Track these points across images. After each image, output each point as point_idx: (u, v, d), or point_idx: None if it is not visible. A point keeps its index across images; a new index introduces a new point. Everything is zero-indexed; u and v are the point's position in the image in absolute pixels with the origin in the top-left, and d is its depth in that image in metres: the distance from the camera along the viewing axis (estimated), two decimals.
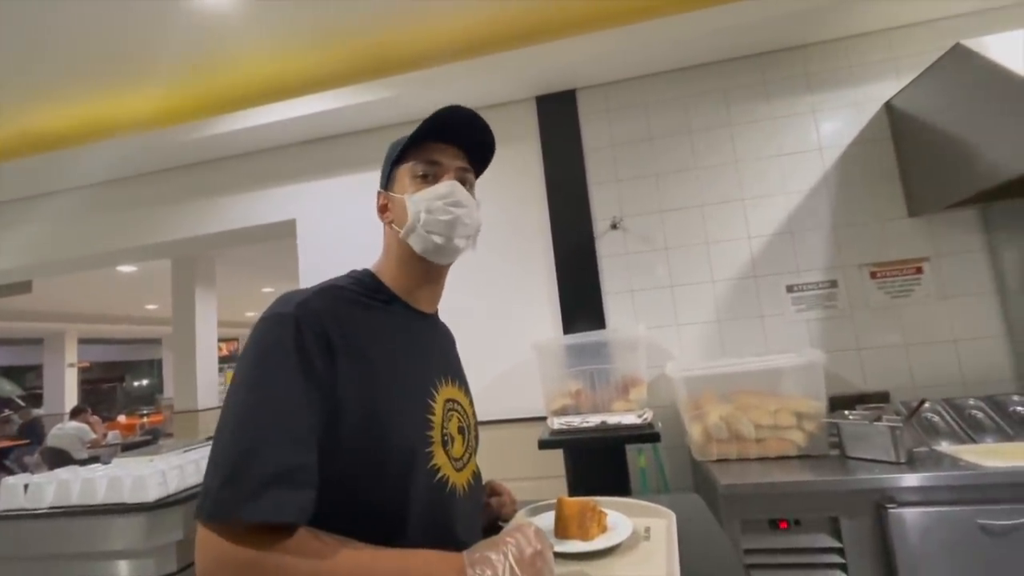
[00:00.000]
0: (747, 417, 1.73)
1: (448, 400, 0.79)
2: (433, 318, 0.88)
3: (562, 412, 1.90)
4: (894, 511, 1.42)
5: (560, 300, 2.25)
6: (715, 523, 0.96)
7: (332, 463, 0.62)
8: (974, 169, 1.65)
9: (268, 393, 0.60)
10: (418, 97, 2.30)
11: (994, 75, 1.54)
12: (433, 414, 0.74)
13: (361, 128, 2.55)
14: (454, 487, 0.74)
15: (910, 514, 1.41)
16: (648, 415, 1.76)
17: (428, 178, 0.80)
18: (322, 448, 0.61)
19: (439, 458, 0.72)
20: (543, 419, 1.97)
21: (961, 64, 1.67)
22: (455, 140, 0.82)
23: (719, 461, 1.74)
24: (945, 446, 1.66)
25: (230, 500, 0.54)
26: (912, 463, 1.52)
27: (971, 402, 1.78)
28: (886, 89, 2.06)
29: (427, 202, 0.78)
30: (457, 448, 0.77)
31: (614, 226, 2.25)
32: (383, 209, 0.84)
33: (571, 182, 2.30)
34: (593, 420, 1.78)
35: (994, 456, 1.49)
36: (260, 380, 0.62)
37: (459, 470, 0.76)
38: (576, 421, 1.80)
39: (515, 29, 2.17)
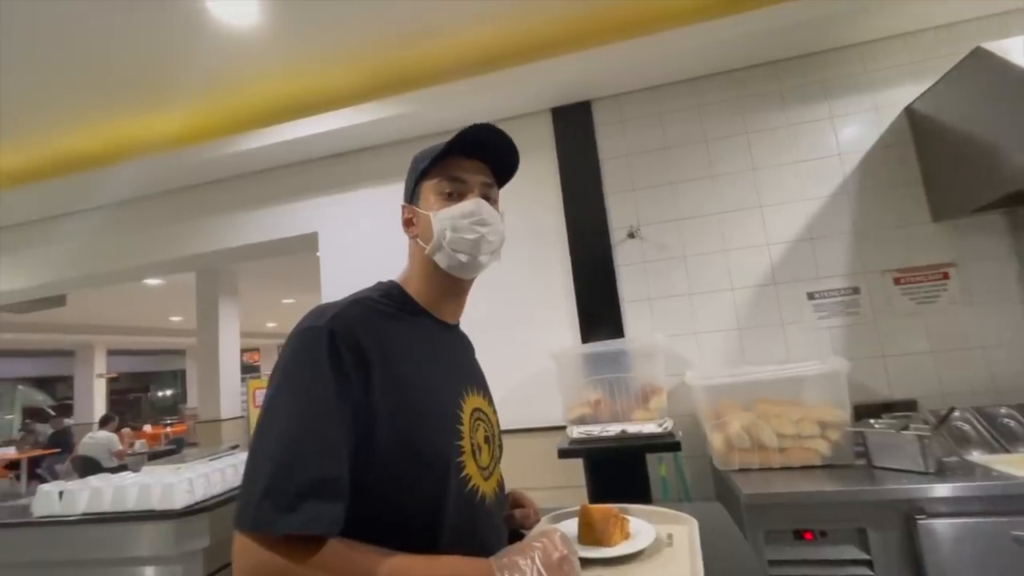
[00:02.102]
0: (769, 426, 1.71)
1: (475, 409, 0.80)
2: (456, 329, 0.90)
3: (581, 421, 1.90)
4: (924, 522, 1.38)
5: (578, 309, 2.26)
6: (738, 531, 0.96)
7: (368, 473, 0.64)
8: (999, 173, 1.62)
9: (304, 406, 0.62)
10: (436, 111, 2.35)
11: (1016, 78, 1.52)
12: (462, 424, 0.75)
13: (381, 143, 2.61)
14: (483, 496, 0.76)
15: (941, 525, 1.38)
16: (668, 424, 1.75)
17: (453, 196, 0.81)
18: (357, 458, 0.63)
19: (470, 467, 0.74)
20: (562, 428, 1.97)
21: (982, 67, 1.65)
22: (480, 155, 0.83)
23: (741, 471, 1.72)
24: (976, 456, 1.62)
25: (268, 512, 0.56)
26: (942, 473, 1.49)
27: (1003, 410, 1.73)
28: (906, 93, 2.04)
29: (452, 220, 0.79)
30: (484, 457, 0.79)
31: (631, 235, 2.26)
32: (408, 223, 0.85)
33: (587, 192, 2.32)
34: (613, 429, 1.77)
35: None
36: (296, 393, 0.64)
37: (486, 479, 0.78)
38: (596, 430, 1.80)
39: (530, 43, 2.21)
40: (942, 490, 1.40)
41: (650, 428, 1.73)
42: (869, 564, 1.43)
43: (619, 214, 2.29)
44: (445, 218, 0.79)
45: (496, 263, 0.86)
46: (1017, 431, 1.67)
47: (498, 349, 2.24)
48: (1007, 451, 1.63)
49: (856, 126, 2.11)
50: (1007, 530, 1.34)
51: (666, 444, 1.64)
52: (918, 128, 2.02)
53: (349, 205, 2.64)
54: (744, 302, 2.12)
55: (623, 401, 1.88)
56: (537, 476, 2.05)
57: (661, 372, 1.89)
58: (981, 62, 1.65)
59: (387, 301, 0.78)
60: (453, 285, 0.85)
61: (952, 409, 1.67)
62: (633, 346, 1.97)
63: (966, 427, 1.71)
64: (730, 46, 2.08)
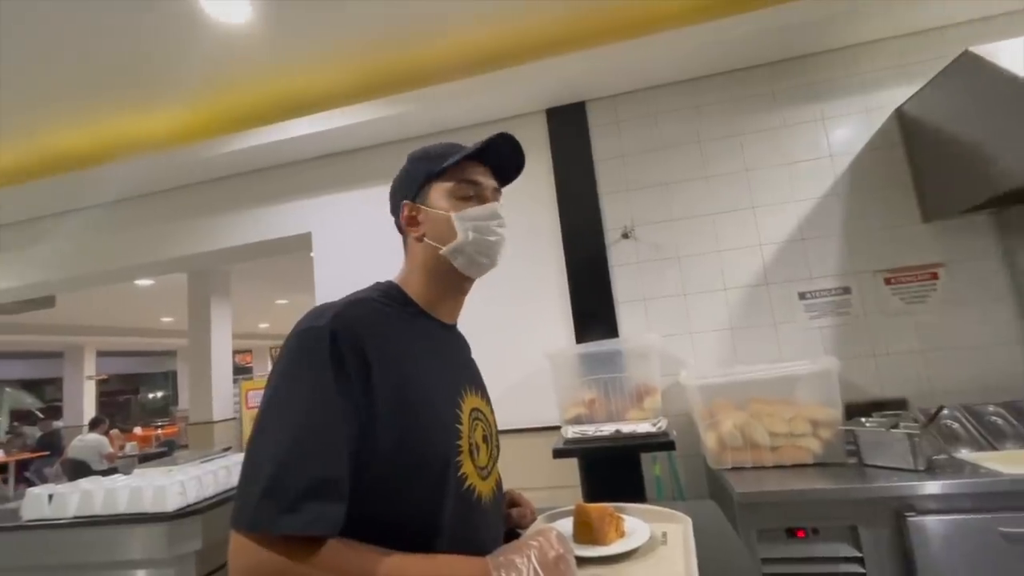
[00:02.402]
0: (762, 425, 1.73)
1: (473, 409, 0.81)
2: (454, 329, 0.90)
3: (576, 421, 1.91)
4: (914, 519, 1.40)
5: (573, 309, 2.26)
6: (731, 529, 0.97)
7: (366, 472, 0.64)
8: (987, 174, 1.64)
9: (305, 406, 0.62)
10: (431, 112, 2.35)
11: (1003, 81, 1.54)
12: (461, 423, 0.75)
13: (375, 143, 2.60)
14: (480, 495, 0.76)
15: (931, 522, 1.40)
16: (662, 423, 1.76)
17: (472, 199, 0.82)
18: (357, 459, 0.63)
19: (467, 467, 0.74)
20: (557, 428, 1.97)
21: (970, 70, 1.67)
22: (490, 162, 0.85)
23: (734, 469, 1.73)
24: (965, 453, 1.64)
25: (268, 512, 0.56)
26: (932, 471, 1.51)
27: (991, 408, 1.76)
28: (896, 95, 2.06)
29: (476, 222, 0.81)
30: (482, 457, 0.79)
31: (625, 235, 2.27)
32: (411, 221, 0.85)
33: (582, 192, 2.32)
34: (607, 429, 1.78)
35: (1015, 463, 1.47)
36: (296, 393, 0.64)
37: (484, 478, 0.78)
38: (590, 430, 1.81)
39: (525, 44, 2.21)
40: (932, 487, 1.42)
41: (644, 428, 1.74)
42: (861, 561, 1.45)
43: (613, 214, 2.30)
44: (470, 219, 0.81)
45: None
46: (1005, 428, 1.70)
47: (493, 349, 2.24)
48: (995, 448, 1.65)
49: (847, 128, 2.13)
50: (995, 526, 1.36)
51: (660, 443, 1.65)
52: (908, 130, 2.04)
53: (344, 205, 2.63)
54: (737, 302, 2.14)
55: (618, 401, 1.88)
56: (533, 476, 2.05)
57: (655, 372, 1.90)
58: (969, 65, 1.68)
59: (386, 301, 0.78)
60: (459, 285, 0.86)
61: (941, 407, 1.69)
62: (627, 346, 1.98)
63: (955, 425, 1.73)
64: (723, 48, 2.10)
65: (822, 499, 1.49)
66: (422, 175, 0.84)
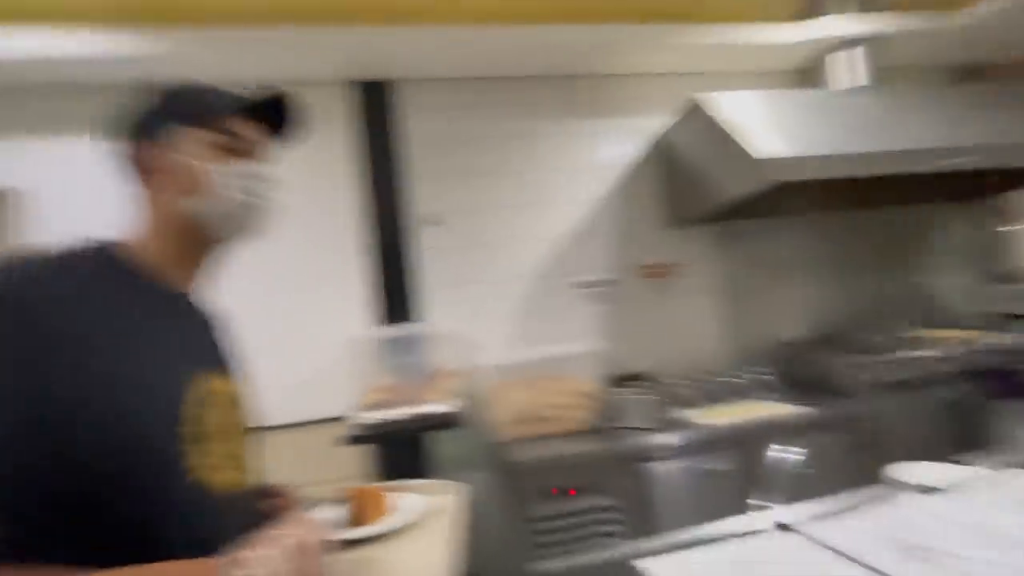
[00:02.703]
0: (542, 399, 1.93)
1: (207, 393, 0.69)
2: (190, 298, 0.77)
3: (374, 407, 1.85)
4: (651, 467, 1.73)
5: (375, 295, 2.18)
6: (508, 495, 1.04)
7: (58, 476, 0.51)
8: (704, 195, 2.13)
9: None
10: (207, 57, 1.98)
11: (712, 125, 1.99)
12: (186, 409, 0.64)
13: (119, 82, 2.07)
14: (216, 490, 0.66)
15: (663, 467, 1.74)
16: (457, 403, 1.82)
17: (234, 153, 0.71)
18: (41, 460, 0.50)
19: (196, 458, 0.63)
20: (353, 416, 1.88)
21: (696, 113, 2.13)
22: (262, 118, 0.75)
23: (519, 441, 1.89)
24: (689, 412, 2.07)
25: None
26: (665, 427, 1.87)
27: (703, 376, 2.27)
28: (658, 123, 2.47)
29: (243, 181, 0.71)
30: (220, 446, 0.68)
31: (428, 222, 2.27)
32: (153, 169, 0.70)
33: (389, 174, 2.25)
34: (404, 412, 1.77)
35: (715, 416, 1.93)
36: None
37: (222, 470, 0.68)
38: (387, 414, 1.77)
39: (329, 4, 2.03)
40: (664, 440, 1.78)
41: (439, 408, 1.77)
42: (616, 509, 1.71)
43: (423, 199, 2.29)
44: (236, 176, 0.70)
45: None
46: (713, 391, 2.22)
47: (284, 337, 2.03)
48: (705, 407, 2.13)
49: (624, 144, 2.49)
50: (703, 465, 1.76)
51: (453, 422, 1.71)
52: (663, 153, 2.49)
53: (64, 155, 2.01)
54: (528, 290, 2.34)
55: (415, 384, 1.89)
56: (328, 467, 1.93)
57: (453, 355, 1.96)
58: (695, 108, 2.13)
59: (93, 262, 0.63)
60: (206, 250, 0.74)
61: (674, 376, 2.11)
62: (427, 331, 2.00)
63: (682, 390, 2.19)
64: (524, 53, 2.25)
65: (585, 460, 1.74)
66: (174, 115, 0.70)
